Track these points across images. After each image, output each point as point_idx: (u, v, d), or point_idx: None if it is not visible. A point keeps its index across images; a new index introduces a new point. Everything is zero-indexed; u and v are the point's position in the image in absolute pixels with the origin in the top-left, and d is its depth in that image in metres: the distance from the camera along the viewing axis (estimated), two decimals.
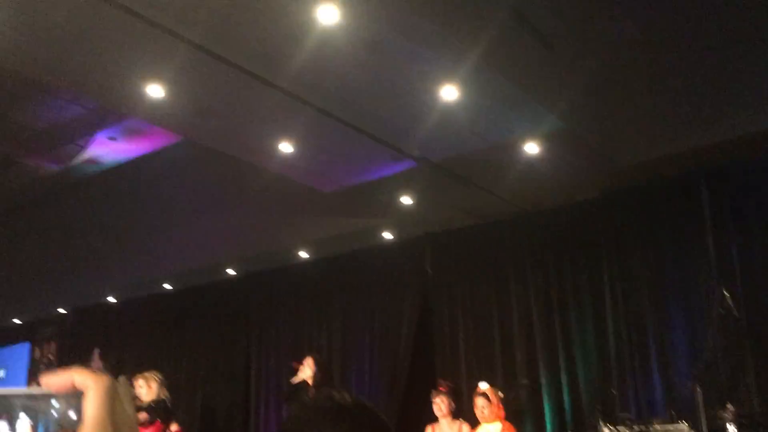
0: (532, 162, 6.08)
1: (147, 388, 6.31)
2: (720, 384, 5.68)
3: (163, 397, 6.34)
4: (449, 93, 4.95)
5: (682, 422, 5.17)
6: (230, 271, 9.58)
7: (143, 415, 6.15)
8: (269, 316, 9.28)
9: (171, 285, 10.26)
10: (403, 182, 6.67)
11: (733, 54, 5.48)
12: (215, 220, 8.82)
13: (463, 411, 6.41)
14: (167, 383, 6.53)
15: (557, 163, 6.18)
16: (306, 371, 5.92)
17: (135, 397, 6.28)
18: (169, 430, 7.73)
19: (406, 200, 7.09)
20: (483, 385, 6.09)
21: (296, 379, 6.02)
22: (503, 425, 5.86)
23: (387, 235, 8.20)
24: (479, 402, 5.94)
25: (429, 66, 4.71)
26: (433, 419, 6.22)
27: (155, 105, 5.07)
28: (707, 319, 5.96)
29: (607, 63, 5.86)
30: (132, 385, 6.69)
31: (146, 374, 6.49)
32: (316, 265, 8.92)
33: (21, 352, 12.45)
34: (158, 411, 6.27)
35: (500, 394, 6.02)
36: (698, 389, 4.85)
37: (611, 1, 5.43)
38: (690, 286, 6.26)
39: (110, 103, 5.98)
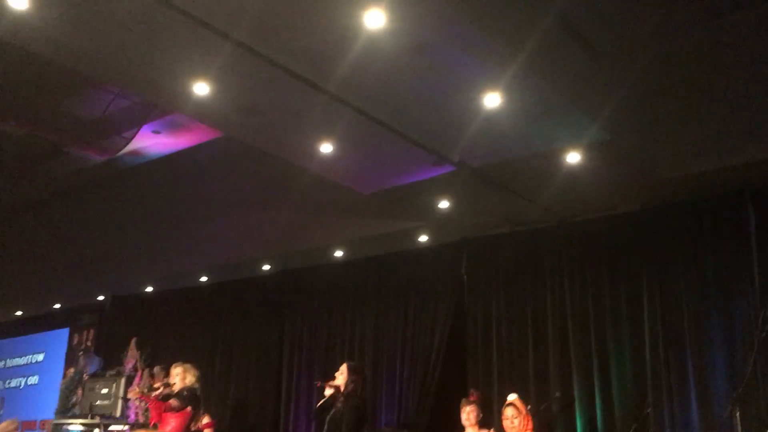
0: (573, 171, 6.01)
1: (182, 378, 6.47)
2: (760, 408, 5.55)
3: (195, 387, 6.47)
4: (492, 100, 4.92)
5: None
6: (266, 267, 9.66)
7: (174, 402, 6.28)
8: (303, 313, 9.33)
9: (208, 278, 10.39)
10: (442, 187, 6.65)
11: None
12: (254, 215, 8.92)
13: (494, 422, 6.37)
14: (201, 377, 6.66)
15: (599, 173, 6.11)
16: (339, 378, 5.89)
17: (169, 384, 6.42)
18: (200, 419, 7.87)
19: (444, 204, 7.07)
20: (511, 396, 6.04)
21: (328, 393, 5.98)
22: None
23: (423, 239, 8.19)
24: (508, 412, 5.88)
25: (473, 72, 4.69)
26: (463, 427, 6.18)
27: (201, 102, 5.15)
28: (748, 341, 5.82)
29: (654, 74, 5.77)
30: (168, 374, 6.84)
31: (186, 365, 6.65)
32: (351, 266, 8.95)
33: (60, 338, 12.74)
34: (189, 398, 6.41)
35: (528, 406, 5.96)
36: (737, 413, 4.74)
37: (660, 12, 5.35)
38: (731, 306, 6.12)
39: (158, 99, 6.08)
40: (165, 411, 6.30)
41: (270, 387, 9.31)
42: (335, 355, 8.57)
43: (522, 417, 5.84)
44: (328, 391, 5.98)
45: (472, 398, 6.18)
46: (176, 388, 6.47)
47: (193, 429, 7.28)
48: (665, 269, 6.57)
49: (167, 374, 7.18)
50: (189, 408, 6.39)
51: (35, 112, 7.89)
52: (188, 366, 6.67)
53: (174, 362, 6.83)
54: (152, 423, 6.62)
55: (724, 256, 6.29)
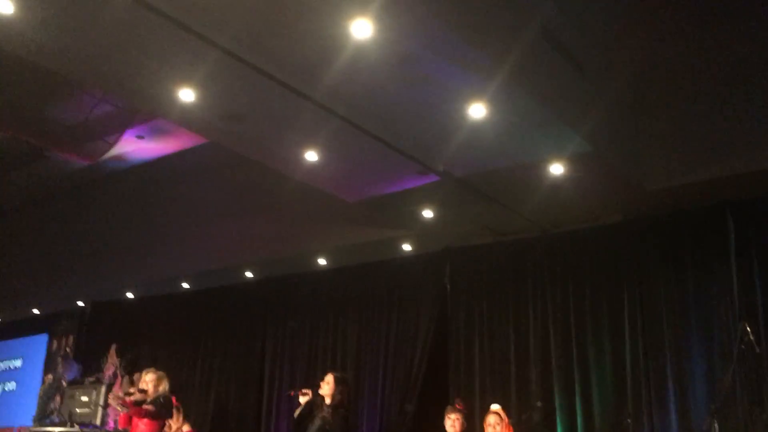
0: (556, 182, 6.06)
1: (155, 385, 6.47)
2: (738, 419, 5.60)
3: (168, 396, 6.50)
4: (477, 110, 4.96)
5: None
6: (249, 274, 9.62)
7: (151, 407, 6.26)
8: (285, 321, 9.29)
9: (189, 285, 10.32)
10: (426, 196, 6.68)
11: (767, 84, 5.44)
12: (237, 222, 8.89)
13: (476, 429, 6.38)
14: (180, 383, 6.68)
15: (582, 185, 6.16)
16: (325, 388, 5.89)
17: (143, 390, 6.40)
18: (180, 427, 7.83)
19: (428, 214, 7.09)
20: (495, 406, 6.07)
21: (303, 401, 5.99)
22: None
23: (407, 248, 8.20)
24: (491, 419, 5.91)
25: (458, 83, 4.73)
26: None
27: (186, 108, 5.14)
28: (727, 353, 5.89)
29: (637, 86, 5.85)
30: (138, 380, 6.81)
31: (159, 372, 6.65)
32: (334, 274, 8.94)
33: (38, 344, 12.58)
34: (165, 406, 6.43)
35: (511, 420, 5.98)
36: (715, 424, 4.78)
37: (643, 24, 5.42)
38: (711, 318, 6.19)
39: (142, 104, 6.06)
40: (142, 416, 6.27)
41: (251, 395, 9.25)
42: (317, 364, 8.56)
43: (504, 425, 5.86)
44: (303, 399, 6.00)
45: (458, 407, 6.18)
46: (151, 394, 6.46)
47: None
48: (646, 280, 6.63)
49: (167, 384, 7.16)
50: (161, 417, 6.41)
51: (18, 116, 7.81)
52: (161, 374, 6.68)
53: (153, 369, 6.81)
54: (121, 427, 6.59)
55: (704, 267, 6.36)
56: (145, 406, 6.27)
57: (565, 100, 5.15)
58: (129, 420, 6.46)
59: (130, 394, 6.69)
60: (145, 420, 6.32)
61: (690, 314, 6.32)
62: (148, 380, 6.60)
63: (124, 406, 6.29)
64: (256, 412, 9.14)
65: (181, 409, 8.07)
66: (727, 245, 6.24)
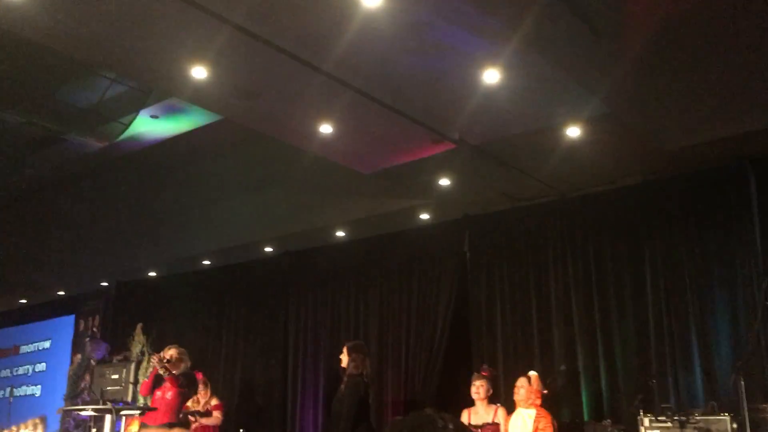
0: (573, 146, 6.01)
1: (179, 360, 6.60)
2: (763, 376, 5.59)
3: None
4: (491, 76, 4.91)
5: (724, 414, 5.10)
6: (268, 249, 9.68)
7: (182, 378, 6.41)
8: (307, 294, 9.37)
9: (211, 262, 10.42)
10: (442, 164, 6.65)
11: None
12: (254, 198, 8.92)
13: (500, 395, 6.43)
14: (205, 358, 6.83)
15: (599, 147, 6.10)
16: (343, 360, 5.98)
17: (168, 361, 6.53)
18: (209, 403, 7.97)
19: (445, 182, 7.07)
20: (531, 372, 6.12)
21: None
22: (538, 411, 5.86)
23: (425, 217, 8.20)
24: (519, 381, 5.96)
25: (471, 49, 4.67)
26: (469, 402, 6.23)
27: (199, 86, 5.13)
28: (751, 310, 5.86)
29: (654, 46, 5.74)
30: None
31: (182, 349, 6.79)
32: (354, 246, 8.97)
33: (66, 324, 12.80)
34: (191, 383, 6.58)
35: (545, 390, 6.03)
36: (741, 381, 4.78)
37: None
38: (734, 276, 6.15)
39: (155, 83, 6.06)
40: (175, 384, 6.42)
41: (276, 367, 9.37)
42: (340, 334, 8.63)
43: (528, 389, 5.90)
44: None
45: (484, 373, 6.22)
46: (174, 367, 6.61)
47: (192, 410, 7.43)
48: (667, 240, 6.59)
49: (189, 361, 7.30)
50: (185, 389, 6.57)
51: (32, 100, 7.85)
52: (183, 350, 6.83)
53: (179, 345, 6.92)
54: (143, 395, 6.77)
55: (726, 225, 6.31)
56: (177, 377, 6.43)
57: (580, 62, 5.07)
58: (150, 389, 6.59)
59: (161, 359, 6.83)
60: (170, 393, 6.46)
61: (713, 273, 6.28)
62: (169, 354, 6.73)
63: (165, 369, 6.44)
64: (281, 383, 9.26)
65: (209, 384, 8.19)
66: (749, 202, 6.17)
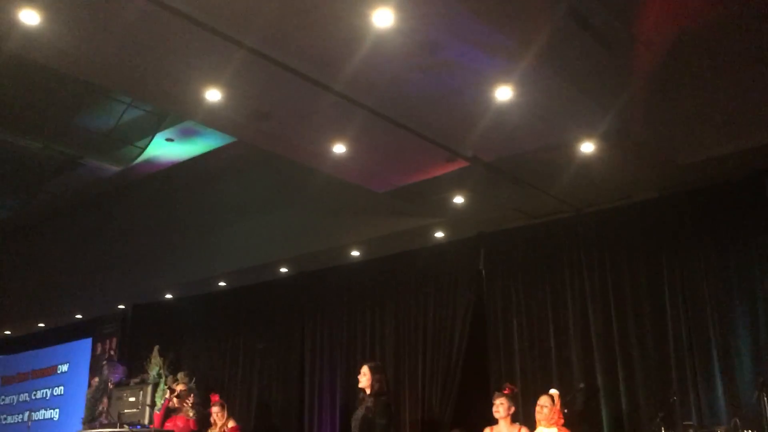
0: (587, 161, 5.99)
1: (188, 393, 6.82)
2: None
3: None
4: (504, 93, 4.92)
5: (747, 431, 5.02)
6: (284, 270, 9.70)
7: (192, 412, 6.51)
8: (323, 314, 9.35)
9: (226, 283, 10.44)
10: (456, 182, 6.65)
11: None
12: (269, 219, 8.95)
13: (518, 414, 6.36)
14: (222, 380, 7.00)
15: (614, 162, 6.08)
16: (363, 380, 5.94)
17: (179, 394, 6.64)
18: (226, 425, 7.97)
19: (459, 200, 7.06)
20: (552, 390, 6.08)
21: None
22: (559, 430, 5.79)
23: (439, 235, 8.18)
24: (542, 400, 5.91)
25: (483, 66, 4.69)
26: (490, 421, 6.18)
27: (213, 109, 5.18)
28: None
29: (665, 60, 5.73)
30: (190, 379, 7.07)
31: (191, 385, 7.02)
32: (369, 265, 8.96)
33: (83, 348, 12.85)
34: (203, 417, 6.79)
35: (565, 410, 5.98)
36: (764, 396, 4.71)
37: None
38: (754, 289, 6.07)
39: (170, 107, 6.13)
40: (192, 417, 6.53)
41: (293, 389, 9.34)
42: (356, 355, 8.60)
43: (552, 409, 5.86)
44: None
45: (506, 391, 6.18)
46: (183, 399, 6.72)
47: None
48: (685, 255, 6.53)
49: (191, 379, 7.38)
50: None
51: (49, 126, 7.96)
52: (192, 386, 7.02)
53: (195, 367, 7.03)
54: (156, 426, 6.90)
55: (744, 239, 6.24)
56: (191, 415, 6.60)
57: (593, 78, 5.07)
58: (162, 422, 6.67)
59: (173, 391, 6.93)
60: (180, 422, 6.56)
61: (732, 288, 6.20)
62: (178, 389, 6.83)
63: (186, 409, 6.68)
64: (298, 405, 9.22)
65: (225, 406, 8.18)
66: (766, 215, 6.11)
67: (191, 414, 6.76)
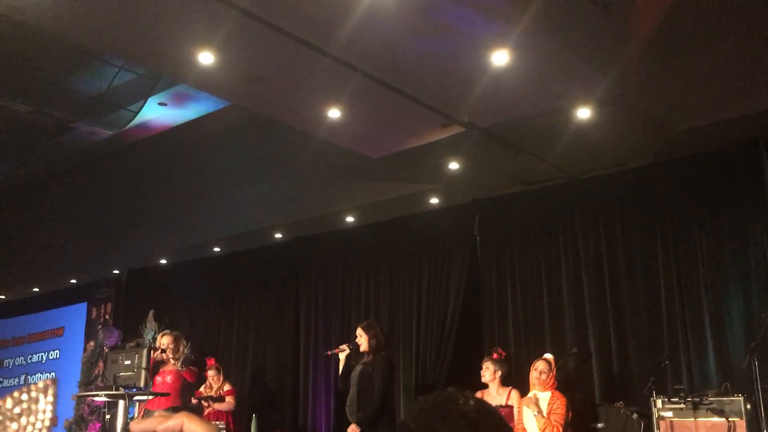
0: (583, 127, 5.96)
1: (174, 347, 6.79)
2: None
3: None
4: (500, 58, 4.86)
5: (737, 395, 5.08)
6: (278, 235, 9.70)
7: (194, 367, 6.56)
8: (317, 279, 9.38)
9: (221, 249, 10.45)
10: (452, 148, 6.61)
11: None
12: (263, 185, 8.92)
13: (511, 378, 6.42)
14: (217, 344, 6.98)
15: (610, 128, 6.05)
16: (360, 341, 5.99)
17: (162, 350, 6.68)
18: (221, 388, 8.04)
19: (454, 166, 7.03)
20: (548, 355, 6.13)
21: (342, 357, 6.17)
22: (553, 393, 5.86)
23: (434, 201, 8.18)
24: (540, 365, 5.96)
25: (480, 30, 4.62)
26: (482, 386, 6.24)
27: (206, 72, 5.11)
28: (765, 290, 5.82)
29: (664, 25, 5.67)
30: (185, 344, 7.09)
31: (176, 333, 7.00)
32: (363, 231, 8.96)
33: (78, 312, 12.89)
34: (191, 365, 6.77)
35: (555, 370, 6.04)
36: (755, 362, 4.75)
37: None
38: (747, 255, 6.10)
39: (162, 70, 6.05)
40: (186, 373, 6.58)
41: (288, 353, 9.41)
42: (351, 320, 8.65)
43: (550, 375, 5.91)
44: (342, 355, 6.13)
45: (494, 356, 6.23)
46: (170, 355, 6.75)
47: (207, 394, 7.54)
48: (679, 221, 6.54)
49: (186, 343, 7.43)
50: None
51: (41, 89, 7.86)
52: (177, 334, 7.00)
53: (191, 332, 7.04)
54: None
55: (738, 205, 6.26)
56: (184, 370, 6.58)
57: (590, 43, 5.02)
58: (150, 377, 6.72)
59: (155, 349, 7.00)
60: (169, 377, 6.60)
61: (725, 253, 6.24)
62: (165, 343, 6.85)
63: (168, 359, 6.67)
64: (293, 368, 9.30)
65: (221, 369, 8.25)
66: (761, 181, 6.12)
67: (179, 365, 6.79)
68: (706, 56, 5.68)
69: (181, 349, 6.93)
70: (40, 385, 1.06)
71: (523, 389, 6.11)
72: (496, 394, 6.13)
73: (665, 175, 6.69)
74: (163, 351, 6.75)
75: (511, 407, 6.02)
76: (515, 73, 5.10)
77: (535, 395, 5.87)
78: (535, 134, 6.22)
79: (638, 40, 5.33)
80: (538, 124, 5.99)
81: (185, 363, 6.88)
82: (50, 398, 1.07)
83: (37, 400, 1.06)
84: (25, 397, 1.06)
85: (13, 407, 1.05)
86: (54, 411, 1.10)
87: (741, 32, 5.49)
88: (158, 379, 6.79)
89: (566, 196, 7.31)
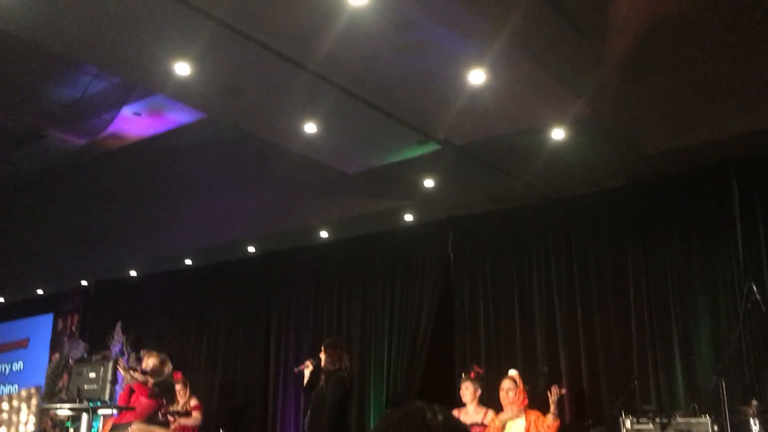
0: (557, 148, 6.02)
1: (159, 369, 6.56)
2: (744, 379, 5.62)
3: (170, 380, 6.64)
4: (477, 76, 4.90)
5: (705, 416, 5.12)
6: (251, 249, 9.62)
7: (156, 390, 6.34)
8: (289, 295, 9.32)
9: (192, 261, 10.33)
10: (427, 165, 6.63)
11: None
12: (237, 197, 8.85)
13: (484, 396, 6.41)
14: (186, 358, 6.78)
15: (583, 149, 6.12)
16: (322, 358, 6.00)
17: (145, 372, 6.48)
18: (188, 403, 7.90)
19: (429, 183, 7.05)
20: (512, 371, 6.12)
21: (308, 373, 6.18)
22: (527, 415, 5.83)
23: (409, 218, 8.18)
24: (506, 384, 5.94)
25: (457, 49, 4.66)
26: (454, 403, 6.22)
27: (182, 82, 5.07)
28: (733, 313, 5.90)
29: (637, 48, 5.76)
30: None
31: (163, 356, 6.74)
32: (337, 246, 8.93)
33: (44, 323, 12.64)
34: (167, 391, 6.53)
35: (526, 387, 6.02)
36: (722, 383, 4.80)
37: None
38: (716, 278, 6.18)
39: (137, 79, 5.99)
40: (147, 395, 6.36)
41: (258, 368, 9.31)
42: (323, 335, 8.57)
43: (518, 391, 5.90)
44: (308, 371, 6.16)
45: (472, 375, 6.22)
46: (154, 376, 6.55)
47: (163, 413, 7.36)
48: (650, 244, 6.62)
49: (171, 366, 7.26)
50: (163, 399, 6.52)
51: (12, 96, 7.75)
52: (164, 357, 6.79)
53: (159, 345, 6.89)
54: (120, 404, 6.70)
55: (708, 228, 6.35)
56: (149, 386, 6.38)
57: (565, 64, 5.08)
58: (128, 398, 6.54)
59: (135, 370, 6.78)
60: (143, 398, 6.41)
61: (694, 275, 6.31)
62: (151, 365, 6.68)
63: (132, 378, 6.43)
64: (263, 383, 9.20)
65: (188, 384, 8.12)
66: (731, 204, 6.21)
67: (129, 378, 6.59)
68: (677, 80, 5.77)
69: (165, 372, 6.76)
70: (23, 393, 1.03)
71: (495, 406, 6.09)
72: (473, 413, 6.11)
73: (637, 197, 6.77)
74: (145, 372, 6.59)
75: (486, 426, 6.00)
76: (491, 92, 5.14)
77: (502, 421, 5.85)
78: (510, 153, 6.27)
79: (611, 64, 5.40)
80: (513, 144, 6.03)
81: (157, 391, 6.61)
82: (33, 408, 1.03)
83: (19, 410, 1.03)
84: (5, 406, 1.02)
85: None
86: (37, 423, 1.06)
87: (712, 58, 5.59)
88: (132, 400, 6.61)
89: (539, 215, 7.36)
